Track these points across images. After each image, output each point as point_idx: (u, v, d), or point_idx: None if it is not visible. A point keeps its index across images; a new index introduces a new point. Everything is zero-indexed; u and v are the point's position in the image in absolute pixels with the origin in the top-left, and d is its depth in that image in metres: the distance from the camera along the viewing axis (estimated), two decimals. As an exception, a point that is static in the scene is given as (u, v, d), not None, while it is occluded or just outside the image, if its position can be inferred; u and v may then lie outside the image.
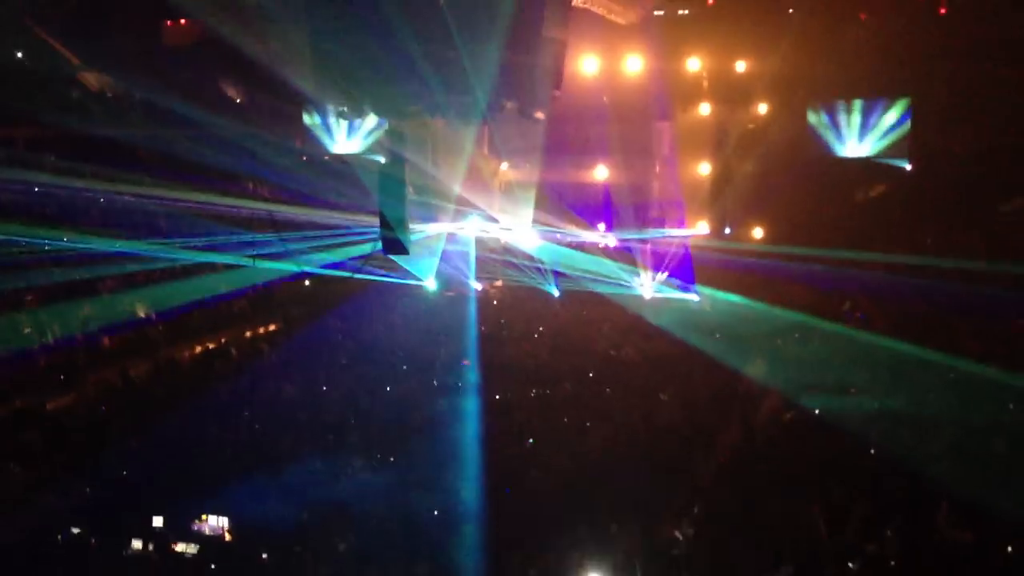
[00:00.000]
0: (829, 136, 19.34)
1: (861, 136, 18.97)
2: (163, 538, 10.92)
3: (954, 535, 9.80)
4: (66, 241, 18.85)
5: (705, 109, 20.48)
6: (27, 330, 17.09)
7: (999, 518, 9.95)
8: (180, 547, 10.80)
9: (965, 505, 10.29)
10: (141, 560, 10.64)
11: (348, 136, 20.97)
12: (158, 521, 11.11)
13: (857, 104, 18.97)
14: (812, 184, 20.22)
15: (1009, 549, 9.63)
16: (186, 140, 20.77)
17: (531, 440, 13.84)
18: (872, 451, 12.70)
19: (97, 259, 18.62)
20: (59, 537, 10.87)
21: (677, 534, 10.89)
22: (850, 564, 9.57)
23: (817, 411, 14.40)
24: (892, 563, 9.50)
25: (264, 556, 10.54)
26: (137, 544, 10.82)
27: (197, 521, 11.23)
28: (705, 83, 20.52)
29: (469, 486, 11.82)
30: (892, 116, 18.37)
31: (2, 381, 15.99)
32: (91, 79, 20.76)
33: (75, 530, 10.98)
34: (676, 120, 21.21)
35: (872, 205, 21.46)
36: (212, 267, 20.31)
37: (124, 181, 20.24)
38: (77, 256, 18.46)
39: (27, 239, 18.33)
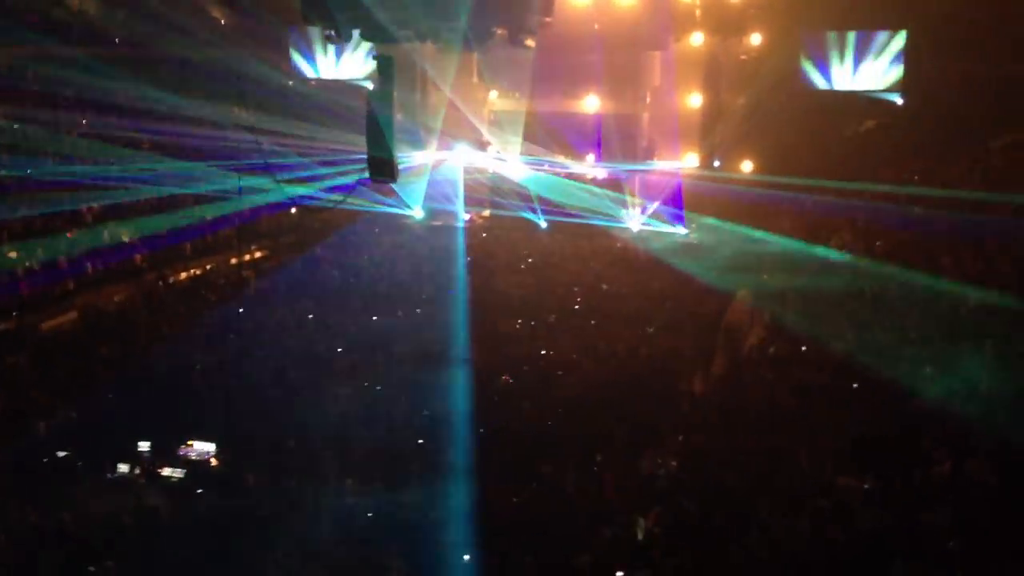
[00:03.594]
0: (822, 68, 19.17)
1: (854, 69, 18.78)
2: (149, 462, 10.95)
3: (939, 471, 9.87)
4: (55, 166, 18.59)
5: (697, 39, 20.20)
6: (13, 254, 16.93)
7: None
8: (166, 472, 10.85)
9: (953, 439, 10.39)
10: (127, 483, 10.68)
11: (335, 61, 20.66)
12: (144, 446, 11.13)
13: (851, 36, 18.72)
14: (803, 117, 20.10)
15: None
16: (169, 62, 20.41)
17: (509, 379, 13.85)
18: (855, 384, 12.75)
19: (86, 186, 18.36)
20: (45, 460, 10.89)
21: (660, 463, 11.00)
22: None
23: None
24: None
25: (250, 480, 10.60)
26: (123, 468, 10.86)
27: (183, 446, 11.27)
28: (698, 12, 20.20)
29: (455, 418, 11.87)
30: (886, 48, 18.18)
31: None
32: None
33: (61, 453, 11.00)
34: (668, 50, 20.96)
35: (862, 138, 21.39)
36: (198, 195, 20.08)
37: (107, 107, 19.92)
38: (68, 182, 18.20)
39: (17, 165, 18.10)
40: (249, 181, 18.61)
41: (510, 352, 15.10)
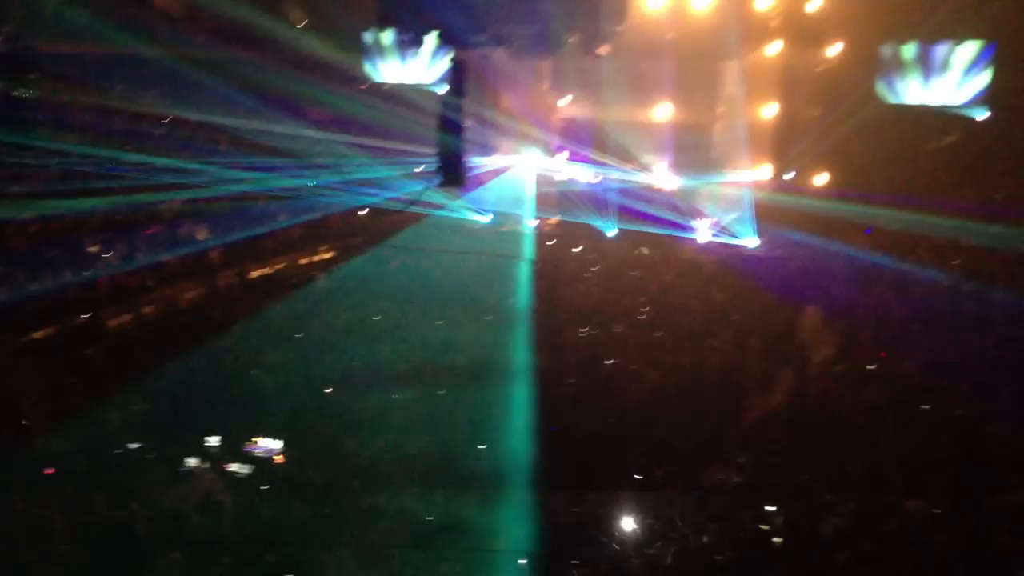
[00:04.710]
0: (901, 81, 18.70)
1: (936, 82, 18.28)
2: (217, 458, 11.17)
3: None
4: (121, 163, 19.05)
5: (773, 49, 19.95)
6: (90, 248, 17.43)
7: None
8: (233, 467, 11.04)
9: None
10: (194, 477, 10.90)
11: (411, 65, 20.83)
12: (213, 440, 11.36)
13: (934, 47, 18.22)
14: (881, 131, 19.67)
15: None
16: (243, 62, 20.75)
17: (571, 381, 13.81)
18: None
19: (158, 185, 18.81)
20: (115, 451, 11.17)
21: (722, 479, 10.87)
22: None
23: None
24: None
25: (313, 478, 10.74)
26: (192, 461, 11.09)
27: (249, 443, 11.47)
28: (774, 21, 19.92)
29: (518, 424, 11.87)
30: (971, 61, 17.64)
31: (64, 298, 16.38)
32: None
33: (132, 445, 11.28)
34: (742, 60, 20.75)
35: (943, 155, 20.86)
36: (268, 194, 20.42)
37: (179, 104, 20.33)
38: (137, 180, 18.66)
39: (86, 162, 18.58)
40: (322, 181, 18.88)
41: (573, 360, 15.04)
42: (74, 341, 15.29)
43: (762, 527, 9.42)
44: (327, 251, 21.74)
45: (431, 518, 9.87)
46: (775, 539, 9.13)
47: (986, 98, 17.79)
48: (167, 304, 17.34)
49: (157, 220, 18.88)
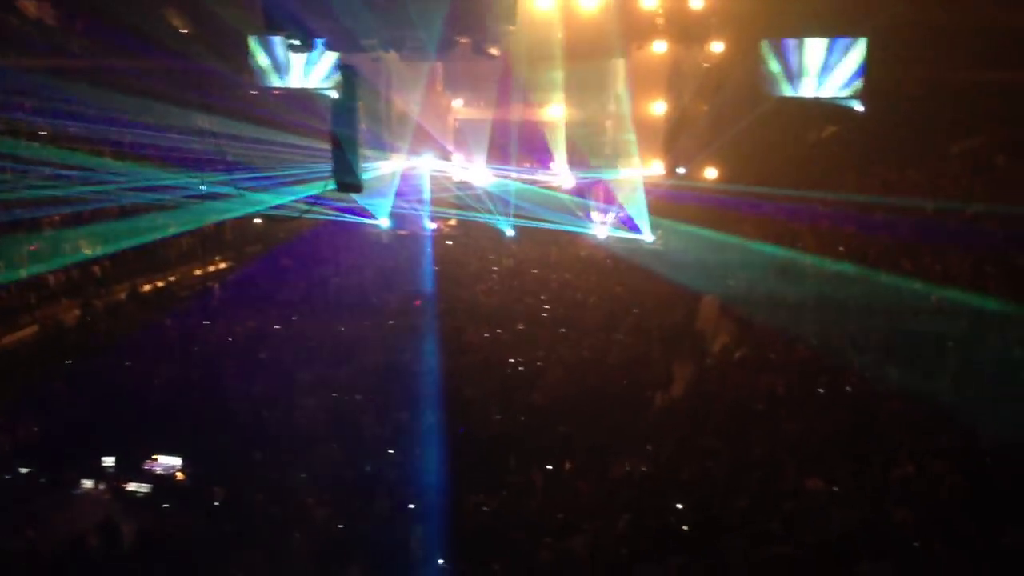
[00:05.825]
0: (784, 75, 19.30)
1: (815, 76, 18.92)
2: (114, 478, 10.79)
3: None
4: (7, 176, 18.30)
5: (660, 47, 20.32)
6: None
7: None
8: (131, 487, 10.69)
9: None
10: (91, 499, 10.52)
11: (300, 71, 20.49)
12: (108, 460, 10.97)
13: (812, 43, 18.85)
14: (765, 124, 20.27)
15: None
16: (129, 72, 20.17)
17: (477, 381, 13.84)
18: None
19: (44, 199, 18.12)
20: (6, 476, 10.70)
21: (629, 470, 11.04)
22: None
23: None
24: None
25: (217, 495, 10.47)
26: (87, 483, 10.69)
27: (148, 460, 11.11)
28: (660, 20, 20.28)
29: (426, 426, 11.83)
30: (847, 55, 18.32)
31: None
32: (30, 6, 20.07)
33: (23, 469, 10.82)
34: (631, 58, 21.07)
35: (824, 145, 21.66)
36: (161, 205, 19.88)
37: (66, 115, 19.66)
38: (23, 193, 17.95)
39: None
40: (212, 190, 18.44)
41: (477, 360, 15.06)
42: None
43: (670, 514, 9.60)
44: (222, 260, 21.30)
45: (341, 526, 9.74)
46: (684, 526, 9.31)
47: (861, 91, 18.54)
48: (57, 321, 16.68)
49: (38, 233, 18.17)
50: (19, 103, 19.31)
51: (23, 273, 17.15)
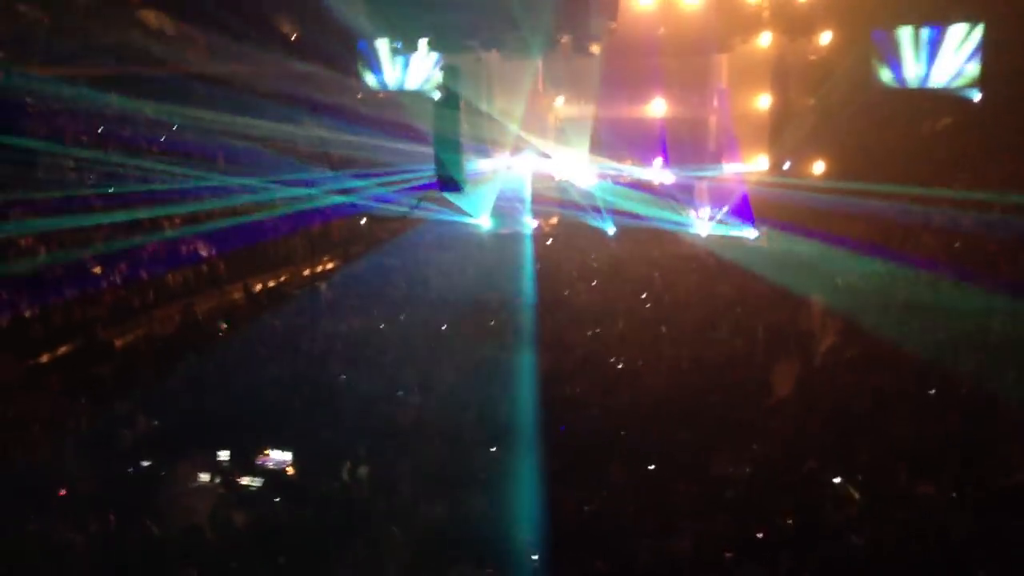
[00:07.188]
0: (894, 66, 18.71)
1: (928, 65, 18.29)
2: (228, 471, 11.18)
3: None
4: (127, 180, 19.16)
5: (765, 40, 19.99)
6: (94, 268, 17.51)
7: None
8: (245, 480, 11.06)
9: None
10: (207, 493, 10.91)
11: (403, 72, 20.91)
12: (223, 455, 11.37)
13: (924, 31, 18.19)
14: (875, 117, 19.70)
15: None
16: (242, 78, 20.85)
17: (577, 381, 13.83)
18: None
19: (158, 198, 18.91)
20: (129, 469, 11.20)
21: (732, 469, 10.89)
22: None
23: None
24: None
25: (325, 489, 10.76)
26: (203, 476, 11.10)
27: (261, 455, 11.48)
28: (765, 12, 19.95)
29: (527, 425, 11.88)
30: (961, 43, 17.64)
31: (68, 316, 16.45)
32: (150, 18, 20.97)
33: (144, 463, 11.30)
34: (735, 52, 20.79)
35: (939, 137, 20.87)
36: (270, 205, 20.51)
37: (180, 119, 20.45)
38: (140, 194, 18.79)
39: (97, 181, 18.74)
40: (319, 191, 18.91)
41: (577, 359, 15.06)
42: (80, 360, 15.34)
43: (774, 516, 9.45)
44: (329, 260, 21.83)
45: (443, 523, 9.89)
46: (787, 528, 9.15)
47: (978, 80, 17.78)
48: (173, 320, 17.39)
49: (159, 234, 18.97)
50: (141, 111, 20.22)
51: (143, 273, 17.93)
